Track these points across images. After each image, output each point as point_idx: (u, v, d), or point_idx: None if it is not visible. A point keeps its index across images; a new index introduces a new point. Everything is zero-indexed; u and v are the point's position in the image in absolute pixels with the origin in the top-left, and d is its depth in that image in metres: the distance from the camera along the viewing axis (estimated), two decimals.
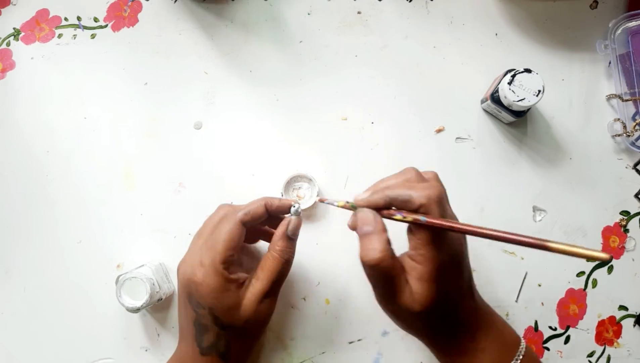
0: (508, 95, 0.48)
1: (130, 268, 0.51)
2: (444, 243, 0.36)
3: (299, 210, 0.43)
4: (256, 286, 0.42)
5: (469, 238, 0.53)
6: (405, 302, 0.37)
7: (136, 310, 0.47)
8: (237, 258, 0.43)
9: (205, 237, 0.43)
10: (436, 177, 0.40)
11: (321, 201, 0.45)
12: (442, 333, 0.39)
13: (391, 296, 0.37)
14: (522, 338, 0.41)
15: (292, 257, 0.44)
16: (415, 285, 0.36)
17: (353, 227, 0.39)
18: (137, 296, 0.47)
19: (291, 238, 0.43)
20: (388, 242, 0.37)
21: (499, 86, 0.49)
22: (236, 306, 0.42)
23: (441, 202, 0.36)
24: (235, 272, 0.42)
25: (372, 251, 0.36)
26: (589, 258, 0.28)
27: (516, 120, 0.52)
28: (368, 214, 0.37)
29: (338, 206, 0.42)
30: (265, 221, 0.45)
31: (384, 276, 0.37)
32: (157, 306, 0.52)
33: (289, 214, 0.44)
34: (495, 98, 0.50)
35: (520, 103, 0.48)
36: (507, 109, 0.50)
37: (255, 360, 0.52)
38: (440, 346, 0.40)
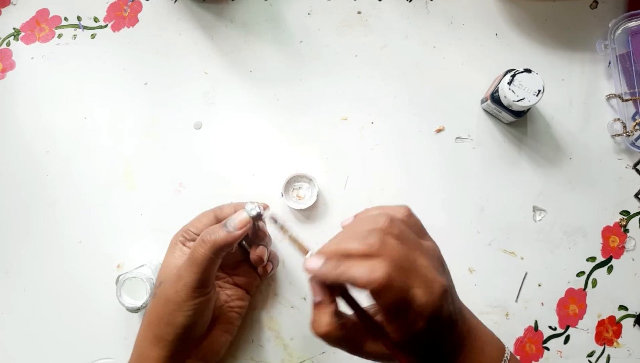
0: (508, 95, 0.48)
1: (130, 268, 0.51)
2: (411, 315, 0.33)
3: (250, 211, 0.42)
4: (180, 265, 0.43)
5: (468, 237, 0.53)
6: (373, 350, 0.36)
7: (136, 310, 0.47)
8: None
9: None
10: (397, 242, 0.34)
11: (272, 219, 0.42)
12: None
13: (356, 351, 0.37)
14: (506, 347, 0.40)
15: (217, 249, 0.41)
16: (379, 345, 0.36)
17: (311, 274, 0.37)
18: (137, 296, 0.47)
19: (226, 229, 0.42)
20: (336, 314, 0.36)
21: (499, 86, 0.49)
22: (166, 266, 0.45)
23: (389, 287, 0.32)
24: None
25: (319, 325, 0.35)
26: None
27: (516, 120, 0.52)
28: (315, 285, 0.36)
29: (285, 238, 0.41)
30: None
31: (339, 342, 0.36)
32: None
33: (247, 209, 0.42)
34: (495, 98, 0.50)
35: (520, 103, 0.48)
36: (507, 109, 0.50)
37: (253, 358, 0.52)
38: None
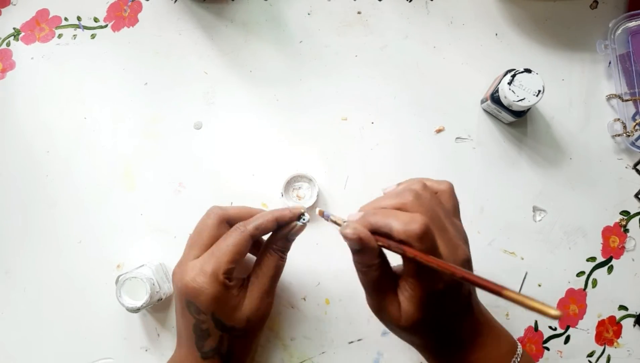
0: (508, 95, 0.48)
1: (130, 268, 0.51)
2: (434, 273, 0.35)
3: (306, 221, 0.44)
4: (257, 284, 0.43)
5: (468, 237, 0.53)
6: (392, 315, 0.37)
7: (136, 310, 0.47)
8: (237, 267, 0.42)
9: (204, 243, 0.42)
10: (430, 202, 0.37)
11: (320, 214, 0.44)
12: (434, 347, 0.39)
13: (379, 307, 0.38)
14: (519, 343, 0.41)
15: (286, 258, 0.45)
16: (404, 303, 0.37)
17: (353, 231, 0.38)
18: (137, 296, 0.47)
19: (289, 239, 0.44)
20: (379, 256, 0.37)
21: (499, 86, 0.49)
22: (238, 307, 0.42)
23: (425, 238, 0.34)
24: (233, 279, 0.42)
25: (362, 264, 0.37)
26: (540, 312, 0.28)
27: (516, 120, 0.52)
28: (353, 236, 0.36)
29: (332, 221, 0.42)
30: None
31: (373, 287, 0.38)
32: (157, 306, 0.52)
33: (304, 220, 0.44)
34: (495, 98, 0.50)
35: (520, 103, 0.48)
36: (507, 109, 0.50)
37: (254, 359, 0.52)
38: (431, 357, 0.40)
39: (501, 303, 0.52)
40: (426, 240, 0.34)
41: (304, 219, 0.44)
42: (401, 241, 0.34)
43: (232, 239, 0.41)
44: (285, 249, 0.44)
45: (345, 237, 0.36)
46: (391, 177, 0.54)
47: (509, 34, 0.56)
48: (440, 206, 0.38)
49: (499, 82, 0.50)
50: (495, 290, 0.31)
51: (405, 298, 0.36)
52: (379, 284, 0.37)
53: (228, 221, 0.44)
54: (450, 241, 0.36)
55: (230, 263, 0.41)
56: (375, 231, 0.36)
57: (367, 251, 0.36)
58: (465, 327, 0.38)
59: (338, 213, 0.53)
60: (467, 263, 0.37)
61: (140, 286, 0.47)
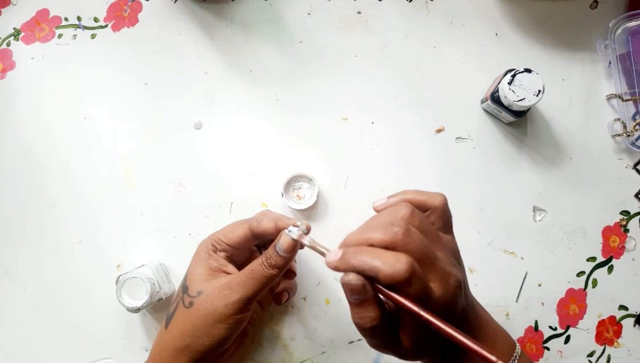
0: (508, 95, 0.48)
1: (130, 268, 0.51)
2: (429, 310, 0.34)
3: (293, 235, 0.41)
4: (232, 277, 0.43)
5: (468, 237, 0.53)
6: (397, 352, 0.36)
7: (136, 310, 0.47)
8: (231, 252, 0.45)
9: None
10: (418, 235, 0.34)
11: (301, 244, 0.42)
12: (434, 359, 0.38)
13: (382, 345, 0.37)
14: (517, 343, 0.41)
15: (277, 272, 0.42)
16: (406, 341, 0.35)
17: (334, 269, 0.36)
18: (138, 296, 0.47)
19: (277, 252, 0.42)
20: (381, 306, 0.35)
21: (499, 86, 0.49)
22: (203, 276, 0.43)
23: (413, 279, 0.32)
24: (224, 260, 0.45)
25: (364, 320, 0.35)
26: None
27: (516, 120, 0.52)
28: (359, 286, 0.33)
29: (311, 248, 0.41)
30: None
31: (375, 337, 0.36)
32: (158, 306, 0.52)
33: (288, 232, 0.42)
34: (495, 98, 0.50)
35: (520, 103, 0.48)
36: (507, 109, 0.50)
37: (254, 359, 0.52)
38: None
39: (501, 302, 0.52)
40: (415, 282, 0.32)
41: (289, 232, 0.41)
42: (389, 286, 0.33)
43: (236, 222, 0.46)
44: (270, 258, 0.42)
45: (347, 288, 0.34)
46: (391, 177, 0.54)
47: (509, 34, 0.56)
48: (431, 232, 0.36)
49: (499, 82, 0.50)
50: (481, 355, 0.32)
51: (407, 336, 0.35)
52: (381, 333, 0.35)
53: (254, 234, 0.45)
54: (441, 271, 0.34)
55: (222, 236, 0.45)
56: (361, 274, 0.33)
57: (368, 302, 0.34)
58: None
59: (338, 213, 0.53)
60: (459, 287, 0.35)
61: (140, 286, 0.47)
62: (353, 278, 0.33)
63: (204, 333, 0.42)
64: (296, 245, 0.42)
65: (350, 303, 0.35)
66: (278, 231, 0.42)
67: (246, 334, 0.49)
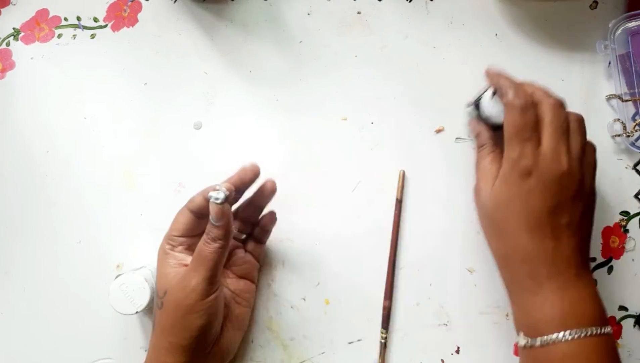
0: (486, 108, 0.48)
1: (127, 268, 0.51)
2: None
3: (216, 199, 0.41)
4: (188, 266, 0.43)
5: (468, 237, 0.53)
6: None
7: (133, 314, 0.47)
8: (188, 242, 0.46)
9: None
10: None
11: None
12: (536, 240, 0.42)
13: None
14: (610, 327, 0.41)
15: (222, 244, 0.42)
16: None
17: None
18: (136, 299, 0.47)
19: (211, 223, 0.42)
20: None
21: (482, 96, 0.49)
22: (166, 275, 0.44)
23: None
24: (182, 254, 0.45)
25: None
26: None
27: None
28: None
29: None
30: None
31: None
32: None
33: (211, 199, 0.41)
34: (476, 105, 0.50)
35: (495, 118, 0.47)
36: (485, 120, 0.49)
37: (253, 359, 0.52)
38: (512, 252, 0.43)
39: (501, 303, 0.52)
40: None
41: (210, 198, 0.41)
42: None
43: (178, 212, 0.46)
44: (209, 233, 0.42)
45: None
46: (391, 177, 0.54)
47: (509, 34, 0.56)
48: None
49: (483, 92, 0.49)
50: None
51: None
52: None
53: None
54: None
55: (171, 230, 0.45)
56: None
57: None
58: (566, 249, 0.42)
59: (338, 213, 0.53)
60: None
61: (139, 289, 0.47)
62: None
63: (181, 327, 0.42)
64: (224, 209, 0.41)
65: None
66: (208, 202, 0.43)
67: (241, 317, 0.49)
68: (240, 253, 0.50)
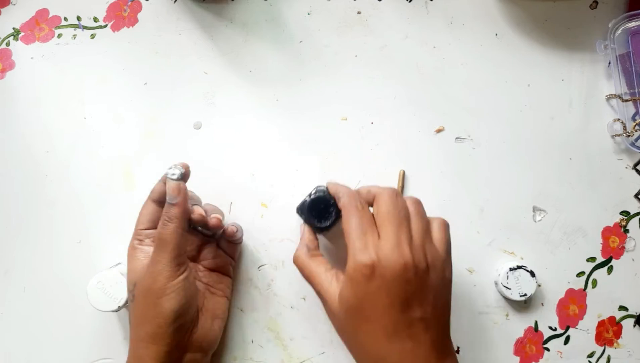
0: (502, 281, 0.50)
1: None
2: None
3: (172, 175, 0.42)
4: (152, 255, 0.43)
5: (468, 237, 0.53)
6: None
7: (116, 310, 0.48)
8: (154, 235, 0.45)
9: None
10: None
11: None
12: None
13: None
14: None
15: (179, 223, 0.43)
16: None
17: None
18: (116, 295, 0.47)
19: (168, 202, 0.42)
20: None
21: (498, 272, 0.51)
22: (134, 269, 0.44)
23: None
24: (148, 248, 0.45)
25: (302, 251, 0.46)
26: None
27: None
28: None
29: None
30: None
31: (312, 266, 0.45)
32: None
33: (166, 176, 0.43)
34: (300, 211, 0.48)
35: (507, 293, 0.50)
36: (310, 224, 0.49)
37: (254, 360, 0.52)
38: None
39: (501, 303, 0.52)
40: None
41: (166, 176, 0.42)
42: None
43: (141, 207, 0.46)
44: (166, 213, 0.42)
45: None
46: (391, 177, 0.54)
47: (509, 34, 0.56)
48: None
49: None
50: None
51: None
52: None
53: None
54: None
55: (138, 224, 0.45)
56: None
57: None
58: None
59: None
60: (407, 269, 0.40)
61: (118, 284, 0.47)
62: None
63: (154, 314, 0.42)
64: (180, 186, 0.42)
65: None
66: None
67: (218, 305, 0.48)
68: (210, 247, 0.50)
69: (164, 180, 0.45)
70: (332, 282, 0.42)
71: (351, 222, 0.41)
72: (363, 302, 0.39)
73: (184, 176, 0.43)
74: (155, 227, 0.45)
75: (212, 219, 0.46)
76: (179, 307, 0.42)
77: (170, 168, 0.43)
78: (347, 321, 0.41)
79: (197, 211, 0.46)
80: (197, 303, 0.45)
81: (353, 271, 0.39)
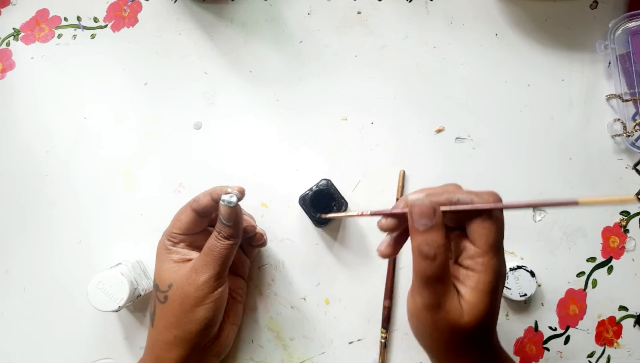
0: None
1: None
2: (502, 252, 0.35)
3: (229, 204, 0.42)
4: (195, 260, 0.44)
5: None
6: (453, 312, 0.34)
7: (116, 310, 0.48)
8: (189, 239, 0.46)
9: None
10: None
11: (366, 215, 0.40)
12: (468, 353, 0.36)
13: (437, 303, 0.34)
14: None
15: (234, 241, 0.43)
16: (469, 294, 0.34)
17: (388, 228, 0.38)
18: (116, 295, 0.47)
19: (221, 221, 0.42)
20: (446, 238, 0.35)
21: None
22: (169, 270, 0.44)
23: (502, 210, 0.35)
24: (184, 250, 0.45)
25: (431, 246, 0.34)
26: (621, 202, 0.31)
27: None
28: (428, 207, 0.34)
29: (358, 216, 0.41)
30: None
31: (437, 277, 0.34)
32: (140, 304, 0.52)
33: (223, 202, 0.42)
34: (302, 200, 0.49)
35: (507, 292, 0.50)
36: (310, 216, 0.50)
37: (255, 360, 0.52)
38: None
39: (502, 303, 0.52)
40: (499, 213, 0.35)
41: (223, 201, 0.42)
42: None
43: (180, 210, 0.46)
44: (221, 231, 0.43)
45: (417, 210, 0.34)
46: (391, 177, 0.54)
47: (509, 34, 0.55)
48: None
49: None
50: (571, 202, 0.32)
51: (471, 288, 0.34)
52: (443, 276, 0.34)
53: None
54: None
55: (172, 227, 0.45)
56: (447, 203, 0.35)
57: (437, 228, 0.34)
58: (495, 333, 0.38)
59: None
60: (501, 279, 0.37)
61: (119, 284, 0.47)
62: (425, 200, 0.34)
63: (187, 320, 0.43)
64: (236, 211, 0.42)
65: (416, 231, 0.35)
66: (217, 203, 0.43)
67: (236, 312, 0.49)
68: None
69: (213, 197, 0.43)
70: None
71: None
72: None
73: (239, 201, 0.43)
74: (190, 233, 0.45)
75: (259, 233, 0.49)
76: (213, 317, 0.43)
77: (227, 194, 0.42)
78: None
79: (259, 232, 0.48)
80: (223, 312, 0.46)
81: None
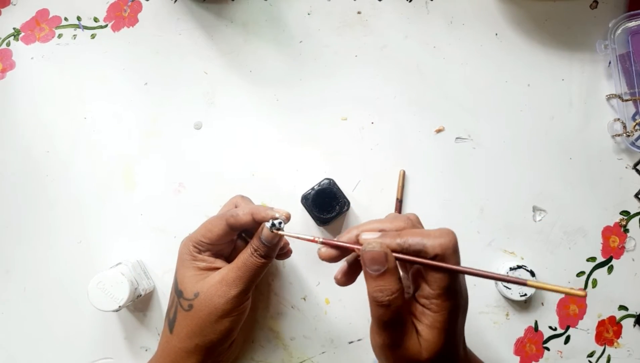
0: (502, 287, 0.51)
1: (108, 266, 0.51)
2: (460, 291, 0.35)
3: (276, 227, 0.41)
4: (223, 270, 0.43)
5: (468, 237, 0.53)
6: (411, 349, 0.35)
7: (117, 309, 0.48)
8: (215, 249, 0.45)
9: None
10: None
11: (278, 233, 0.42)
12: None
13: (396, 343, 0.35)
14: None
15: (269, 260, 0.43)
16: (426, 332, 0.35)
17: (328, 257, 0.38)
18: (117, 295, 0.47)
19: (262, 241, 0.42)
20: (401, 281, 0.35)
21: (500, 270, 0.52)
22: (195, 277, 0.43)
23: (456, 251, 0.34)
24: (210, 258, 0.45)
25: (384, 294, 0.34)
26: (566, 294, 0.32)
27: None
28: (379, 254, 0.35)
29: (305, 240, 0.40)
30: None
31: (393, 321, 0.35)
32: (159, 306, 0.52)
33: (268, 225, 0.42)
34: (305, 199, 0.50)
35: (508, 292, 0.51)
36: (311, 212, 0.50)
37: (255, 360, 0.52)
38: None
39: (501, 303, 0.52)
40: (458, 252, 0.34)
41: (273, 226, 0.41)
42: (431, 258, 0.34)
43: (211, 220, 0.44)
44: (259, 249, 0.42)
45: (368, 256, 0.34)
46: (391, 177, 0.54)
47: (509, 34, 0.55)
48: None
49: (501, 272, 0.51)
50: (520, 282, 0.33)
51: (427, 326, 0.35)
52: (399, 315, 0.35)
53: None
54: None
55: (201, 236, 0.44)
56: (404, 251, 0.34)
57: (390, 273, 0.34)
58: (461, 359, 0.38)
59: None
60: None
61: (119, 284, 0.47)
62: (375, 245, 0.34)
63: (211, 331, 0.43)
64: (279, 235, 0.42)
65: (369, 276, 0.35)
66: (257, 223, 0.42)
67: (244, 322, 0.49)
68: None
69: (255, 217, 0.42)
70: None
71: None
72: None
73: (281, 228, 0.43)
74: (218, 244, 0.44)
75: (290, 250, 0.49)
76: (234, 328, 0.44)
77: (277, 220, 0.41)
78: None
79: (290, 249, 0.49)
80: None
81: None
